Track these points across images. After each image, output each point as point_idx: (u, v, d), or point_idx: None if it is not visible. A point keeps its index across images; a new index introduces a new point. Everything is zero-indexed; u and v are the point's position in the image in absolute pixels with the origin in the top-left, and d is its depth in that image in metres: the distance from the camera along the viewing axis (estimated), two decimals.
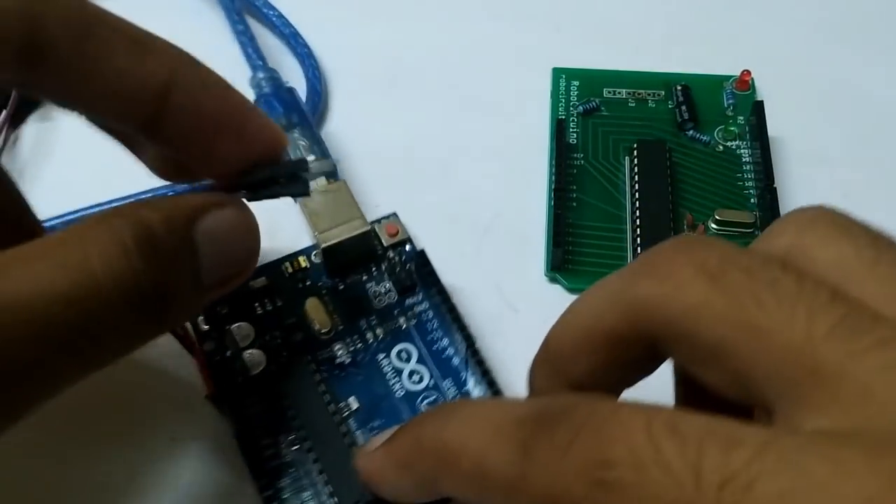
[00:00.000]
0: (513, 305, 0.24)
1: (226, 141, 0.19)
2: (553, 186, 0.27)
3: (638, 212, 0.26)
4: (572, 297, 0.26)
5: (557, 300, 0.26)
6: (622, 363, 0.16)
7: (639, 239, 0.26)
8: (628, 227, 0.27)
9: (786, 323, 0.13)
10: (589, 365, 0.17)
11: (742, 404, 0.14)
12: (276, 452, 0.21)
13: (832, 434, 0.12)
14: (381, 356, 0.23)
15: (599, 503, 0.13)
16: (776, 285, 0.14)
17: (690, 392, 0.17)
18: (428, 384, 0.22)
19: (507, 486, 0.14)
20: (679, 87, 0.30)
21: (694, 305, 0.14)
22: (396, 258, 0.24)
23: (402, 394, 0.22)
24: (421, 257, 0.24)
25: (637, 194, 0.27)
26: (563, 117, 0.29)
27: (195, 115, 0.18)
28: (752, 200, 0.27)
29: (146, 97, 0.18)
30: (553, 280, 0.26)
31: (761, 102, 0.28)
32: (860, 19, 0.33)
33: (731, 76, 0.30)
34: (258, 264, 0.21)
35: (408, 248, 0.24)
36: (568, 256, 0.26)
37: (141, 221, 0.17)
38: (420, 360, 0.22)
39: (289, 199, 0.24)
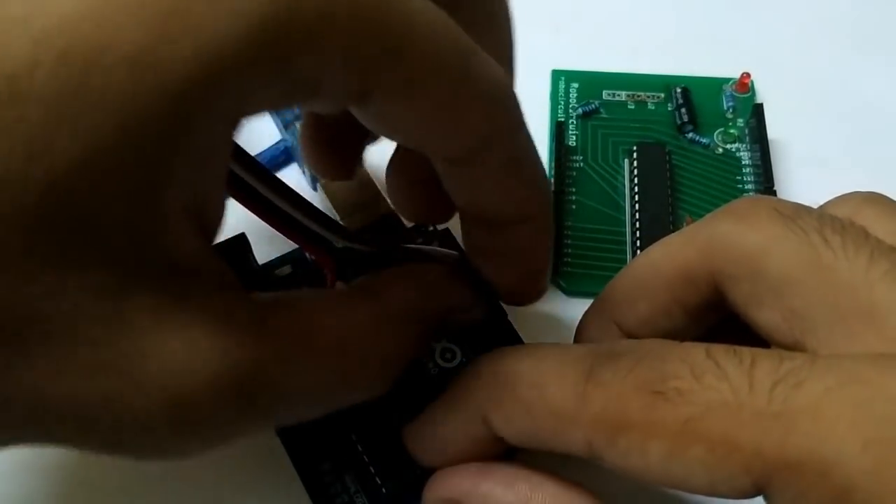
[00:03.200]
0: (511, 308, 0.24)
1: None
2: (552, 189, 0.27)
3: (637, 214, 0.26)
4: (571, 300, 0.26)
5: (556, 303, 0.25)
6: (682, 305, 0.17)
7: (638, 242, 0.26)
8: (628, 229, 0.27)
9: (849, 263, 0.14)
10: (646, 310, 0.18)
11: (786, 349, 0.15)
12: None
13: (878, 354, 0.13)
14: None
15: (656, 411, 0.14)
16: (844, 232, 0.15)
17: None
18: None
19: (565, 410, 0.15)
20: (679, 90, 0.30)
21: (767, 240, 0.15)
22: (421, 239, 0.24)
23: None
24: (446, 236, 0.24)
25: (636, 197, 0.27)
26: (563, 119, 0.29)
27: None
28: None
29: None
30: (551, 283, 0.26)
31: (761, 105, 0.28)
32: (860, 22, 0.33)
33: (730, 79, 0.30)
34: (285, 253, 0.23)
35: (430, 228, 0.24)
36: (566, 259, 0.26)
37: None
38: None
39: (305, 185, 0.26)
